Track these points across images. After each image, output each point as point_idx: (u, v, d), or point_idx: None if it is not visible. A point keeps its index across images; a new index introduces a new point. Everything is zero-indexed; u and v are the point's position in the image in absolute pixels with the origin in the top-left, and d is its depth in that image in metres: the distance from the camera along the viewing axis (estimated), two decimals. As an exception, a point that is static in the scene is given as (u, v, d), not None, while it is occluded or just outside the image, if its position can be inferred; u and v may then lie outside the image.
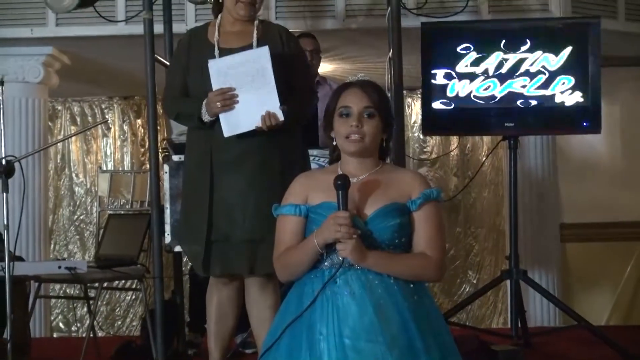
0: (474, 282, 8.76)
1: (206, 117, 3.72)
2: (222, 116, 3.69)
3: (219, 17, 3.90)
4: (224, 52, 3.77)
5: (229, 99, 3.67)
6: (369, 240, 2.82)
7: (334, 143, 3.02)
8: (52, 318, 8.59)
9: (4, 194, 4.15)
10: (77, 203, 9.10)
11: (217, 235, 3.72)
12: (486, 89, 5.05)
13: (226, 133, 3.69)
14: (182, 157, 4.27)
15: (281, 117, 3.66)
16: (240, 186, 3.70)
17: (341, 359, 2.67)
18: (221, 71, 3.69)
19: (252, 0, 3.78)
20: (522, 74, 5.03)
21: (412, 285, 2.84)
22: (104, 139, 9.18)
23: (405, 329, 2.71)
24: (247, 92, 3.68)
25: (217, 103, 3.66)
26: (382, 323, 2.70)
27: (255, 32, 3.81)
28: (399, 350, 2.67)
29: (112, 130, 9.16)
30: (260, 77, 3.67)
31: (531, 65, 5.02)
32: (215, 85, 3.70)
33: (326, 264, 2.86)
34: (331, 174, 2.91)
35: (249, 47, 3.77)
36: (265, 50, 3.68)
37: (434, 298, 8.37)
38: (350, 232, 2.75)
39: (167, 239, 4.42)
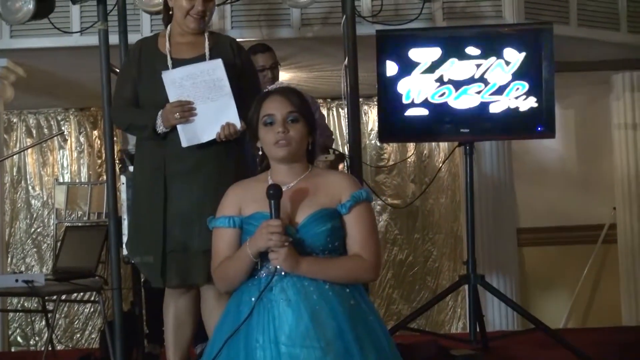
0: (433, 287, 8.78)
1: (161, 129, 3.71)
2: (180, 127, 3.70)
3: (169, 27, 3.90)
4: (177, 62, 3.77)
5: (187, 111, 3.68)
6: (301, 247, 2.86)
7: (260, 153, 3.07)
8: (10, 332, 8.49)
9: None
10: (34, 216, 9.00)
11: (173, 246, 3.72)
12: (441, 95, 5.06)
13: (184, 143, 3.70)
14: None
15: (239, 127, 3.68)
16: (196, 196, 3.70)
17: None
18: (176, 82, 3.70)
19: (202, 13, 3.79)
20: (476, 80, 5.04)
21: (348, 289, 2.88)
22: (61, 151, 9.09)
23: (340, 334, 2.74)
24: (205, 102, 3.70)
25: (176, 114, 3.67)
26: (318, 329, 2.72)
27: (207, 42, 3.82)
28: (334, 355, 2.70)
29: (69, 142, 9.07)
30: (217, 89, 3.70)
31: (485, 71, 5.05)
32: (172, 97, 3.70)
33: (262, 272, 2.89)
34: (263, 182, 2.96)
35: (202, 57, 3.78)
36: (219, 63, 3.71)
37: (394, 304, 8.63)
38: (282, 240, 2.78)
39: (125, 250, 4.40)
